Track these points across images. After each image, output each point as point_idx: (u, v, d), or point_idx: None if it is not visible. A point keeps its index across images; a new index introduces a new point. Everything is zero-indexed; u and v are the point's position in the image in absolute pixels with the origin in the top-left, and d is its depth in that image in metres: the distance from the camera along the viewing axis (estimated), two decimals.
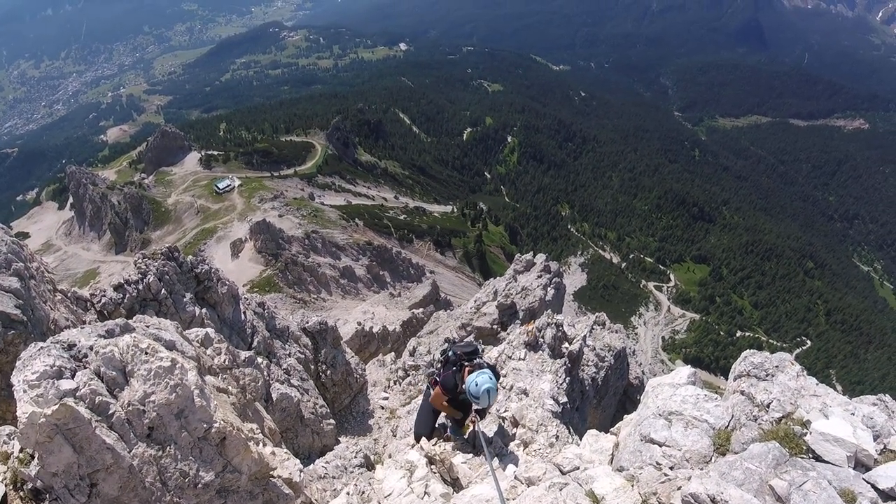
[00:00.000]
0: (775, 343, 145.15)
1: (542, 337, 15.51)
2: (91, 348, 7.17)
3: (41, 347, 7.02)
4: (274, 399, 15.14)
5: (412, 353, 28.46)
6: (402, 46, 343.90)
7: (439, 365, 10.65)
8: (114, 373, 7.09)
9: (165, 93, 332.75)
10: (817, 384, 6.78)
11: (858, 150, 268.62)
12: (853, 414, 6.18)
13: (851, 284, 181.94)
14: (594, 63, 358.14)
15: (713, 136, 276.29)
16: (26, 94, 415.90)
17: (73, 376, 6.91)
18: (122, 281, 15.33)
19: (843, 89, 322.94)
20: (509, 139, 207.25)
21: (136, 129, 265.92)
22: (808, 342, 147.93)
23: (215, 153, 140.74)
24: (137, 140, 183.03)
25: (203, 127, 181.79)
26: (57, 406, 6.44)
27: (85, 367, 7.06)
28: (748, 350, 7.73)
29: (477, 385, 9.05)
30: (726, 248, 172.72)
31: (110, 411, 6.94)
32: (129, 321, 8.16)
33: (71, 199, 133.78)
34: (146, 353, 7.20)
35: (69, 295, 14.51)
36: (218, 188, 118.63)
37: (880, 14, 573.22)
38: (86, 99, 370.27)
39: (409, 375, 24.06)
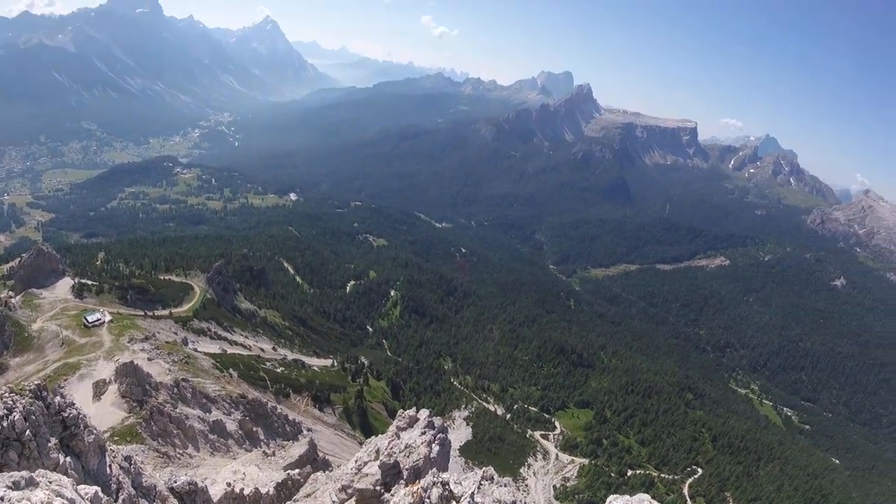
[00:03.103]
0: (667, 476, 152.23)
1: (429, 497, 15.23)
2: (2, 499, 7.39)
3: None
4: None
5: None
6: (293, 196, 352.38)
7: None
8: None
9: (49, 209, 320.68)
10: None
11: (722, 285, 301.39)
12: None
13: (732, 408, 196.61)
14: (474, 221, 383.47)
15: (587, 285, 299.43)
16: None
17: None
18: None
19: (703, 232, 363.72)
20: (392, 293, 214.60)
21: (11, 242, 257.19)
22: (700, 470, 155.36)
23: (89, 283, 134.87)
24: (11, 254, 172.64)
25: (81, 253, 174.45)
26: None
27: None
28: (612, 496, 9.94)
29: None
30: (607, 390, 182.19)
31: None
32: (33, 475, 8.49)
33: None
34: None
35: None
36: (87, 321, 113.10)
37: (732, 162, 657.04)
38: None
39: None
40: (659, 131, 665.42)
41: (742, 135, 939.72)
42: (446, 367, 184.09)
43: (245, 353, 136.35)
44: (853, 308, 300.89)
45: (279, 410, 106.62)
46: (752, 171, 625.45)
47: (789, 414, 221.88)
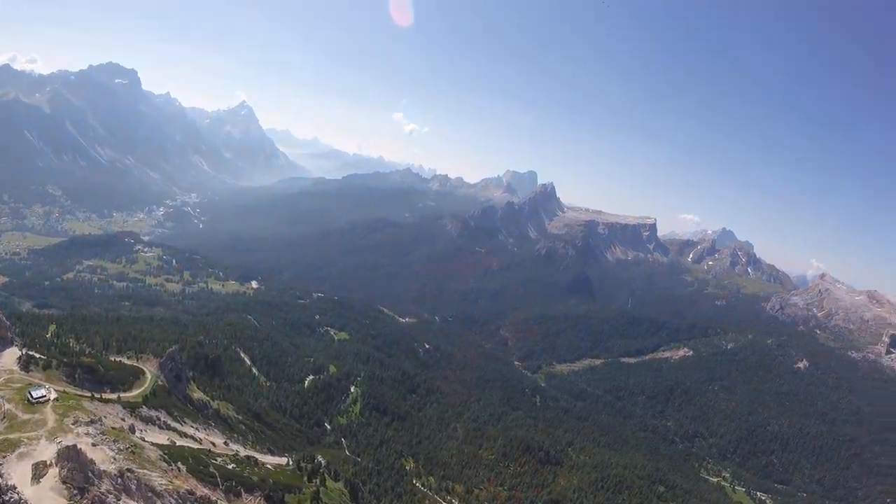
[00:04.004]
0: None
1: None
2: None
3: None
4: None
5: None
6: (254, 284, 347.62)
7: None
8: None
9: (3, 272, 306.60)
10: None
11: (687, 376, 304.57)
12: None
13: (705, 497, 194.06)
14: (439, 316, 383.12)
15: (552, 381, 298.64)
16: None
17: None
18: None
19: (666, 324, 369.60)
20: (352, 389, 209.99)
21: None
22: None
23: (37, 356, 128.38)
24: None
25: (32, 323, 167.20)
26: None
27: None
28: None
29: None
30: (577, 488, 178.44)
31: None
32: None
33: None
34: None
35: None
36: (31, 396, 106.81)
37: (691, 255, 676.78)
38: None
39: None
40: (620, 228, 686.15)
41: (700, 229, 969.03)
42: (408, 468, 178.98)
43: (195, 446, 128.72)
44: (818, 388, 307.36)
45: None
46: (710, 263, 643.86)
47: (763, 498, 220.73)
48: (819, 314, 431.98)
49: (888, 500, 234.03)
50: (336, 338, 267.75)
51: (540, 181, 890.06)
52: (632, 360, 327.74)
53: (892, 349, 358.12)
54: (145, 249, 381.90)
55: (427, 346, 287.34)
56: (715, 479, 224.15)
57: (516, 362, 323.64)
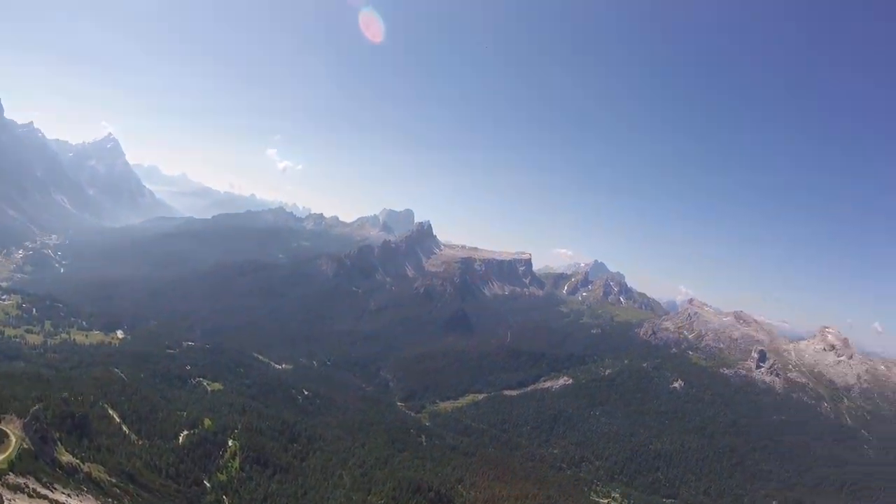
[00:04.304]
0: None
1: None
2: None
3: None
4: None
5: None
6: (119, 334, 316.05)
7: None
8: None
9: None
10: None
11: (569, 403, 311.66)
12: None
13: None
14: (316, 360, 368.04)
15: (436, 419, 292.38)
16: None
17: None
18: None
19: (545, 355, 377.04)
20: (230, 443, 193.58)
21: None
22: None
23: None
24: None
25: None
26: None
27: None
28: None
29: None
30: None
31: None
32: None
33: None
34: None
35: None
36: None
37: (565, 288, 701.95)
38: None
39: None
40: (496, 264, 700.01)
41: (573, 262, 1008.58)
42: None
43: None
44: (695, 405, 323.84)
45: None
46: (584, 294, 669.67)
47: None
48: (690, 336, 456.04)
49: (773, 502, 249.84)
50: (210, 389, 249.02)
51: (417, 219, 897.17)
52: (514, 392, 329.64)
53: (760, 364, 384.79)
54: (3, 297, 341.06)
55: (306, 392, 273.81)
56: (605, 501, 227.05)
57: (399, 403, 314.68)
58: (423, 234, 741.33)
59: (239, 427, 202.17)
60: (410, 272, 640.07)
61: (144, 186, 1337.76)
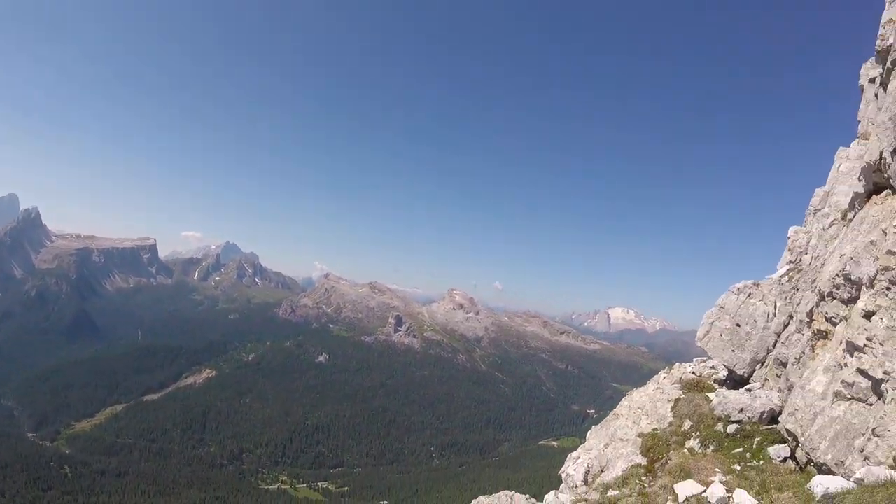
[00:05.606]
0: None
1: None
2: None
3: None
4: None
5: None
6: None
7: None
8: None
9: None
10: None
11: (216, 396, 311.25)
12: None
13: None
14: None
15: (77, 443, 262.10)
16: None
17: None
18: None
19: (183, 349, 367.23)
20: None
21: None
22: None
23: None
24: None
25: None
26: None
27: None
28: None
29: None
30: None
31: None
32: None
33: None
34: None
35: None
36: None
37: (196, 274, 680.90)
38: None
39: None
40: (117, 253, 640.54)
41: (203, 245, 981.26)
42: None
43: None
44: (342, 375, 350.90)
45: None
46: (217, 279, 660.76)
47: (324, 486, 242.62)
48: (329, 310, 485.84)
49: (431, 449, 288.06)
50: None
51: (22, 206, 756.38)
52: (156, 396, 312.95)
53: (398, 328, 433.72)
54: None
55: None
56: (275, 486, 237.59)
57: (30, 434, 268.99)
58: (31, 224, 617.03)
59: None
60: (18, 272, 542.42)
61: None
